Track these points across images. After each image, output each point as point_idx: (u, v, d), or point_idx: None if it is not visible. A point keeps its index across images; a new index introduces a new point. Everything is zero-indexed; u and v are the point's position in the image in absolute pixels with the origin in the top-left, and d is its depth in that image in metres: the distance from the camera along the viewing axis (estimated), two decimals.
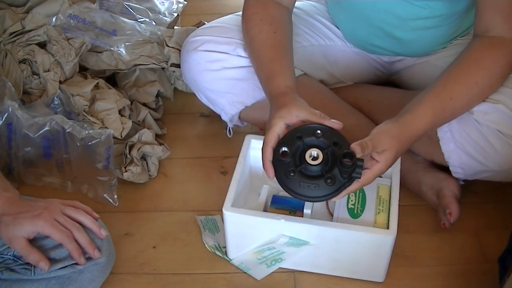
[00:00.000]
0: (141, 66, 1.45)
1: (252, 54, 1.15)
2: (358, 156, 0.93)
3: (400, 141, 0.98)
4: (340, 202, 1.09)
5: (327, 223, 1.04)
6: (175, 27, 1.56)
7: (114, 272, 1.08)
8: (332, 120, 0.98)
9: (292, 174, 0.95)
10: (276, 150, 0.97)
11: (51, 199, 1.02)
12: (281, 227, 1.04)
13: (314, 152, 0.95)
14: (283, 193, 1.18)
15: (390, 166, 0.99)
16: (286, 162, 0.96)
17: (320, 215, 1.10)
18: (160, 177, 1.33)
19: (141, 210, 1.26)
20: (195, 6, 1.89)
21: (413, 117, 1.00)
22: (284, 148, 0.96)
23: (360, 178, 0.94)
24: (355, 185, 0.95)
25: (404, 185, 1.18)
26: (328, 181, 0.93)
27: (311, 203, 1.09)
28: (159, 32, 1.47)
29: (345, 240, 1.03)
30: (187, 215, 1.24)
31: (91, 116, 1.31)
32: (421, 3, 1.14)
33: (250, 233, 1.07)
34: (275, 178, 0.98)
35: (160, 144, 1.34)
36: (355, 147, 0.93)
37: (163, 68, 1.47)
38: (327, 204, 1.12)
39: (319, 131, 0.96)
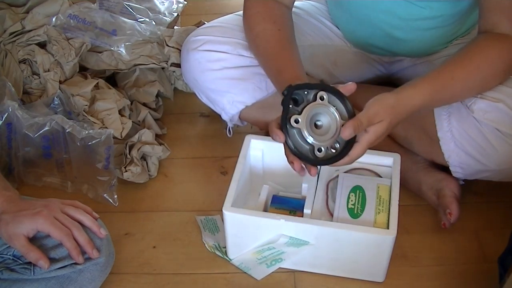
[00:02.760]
0: (141, 66, 1.45)
1: (258, 51, 1.15)
2: (352, 136, 0.92)
3: (395, 112, 0.96)
4: (340, 202, 1.09)
5: (327, 223, 1.04)
6: (175, 27, 1.56)
7: (114, 272, 1.08)
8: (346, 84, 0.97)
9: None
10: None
11: (51, 199, 1.02)
12: (281, 227, 1.04)
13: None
14: (283, 193, 1.18)
15: (380, 138, 0.96)
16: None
17: (320, 215, 1.10)
18: (160, 177, 1.33)
19: (141, 210, 1.26)
20: (195, 6, 1.89)
21: (412, 90, 0.99)
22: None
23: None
24: (345, 160, 0.94)
25: (404, 185, 1.18)
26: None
27: (311, 203, 1.09)
28: (159, 32, 1.47)
29: (345, 240, 1.03)
30: (187, 215, 1.24)
31: (91, 116, 1.31)
32: (421, 3, 1.14)
33: (250, 233, 1.07)
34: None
35: (160, 144, 1.34)
36: (346, 130, 0.92)
37: (163, 68, 1.47)
38: (327, 204, 1.12)
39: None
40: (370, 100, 0.96)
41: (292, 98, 0.95)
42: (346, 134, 0.92)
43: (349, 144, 0.94)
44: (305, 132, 0.94)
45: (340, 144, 0.95)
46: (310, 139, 0.94)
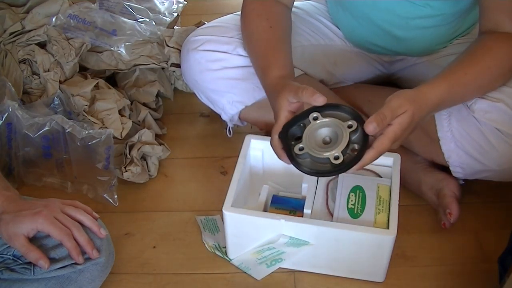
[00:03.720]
0: (141, 66, 1.45)
1: (249, 49, 1.16)
2: (376, 131, 0.91)
3: (416, 104, 0.94)
4: (340, 202, 1.09)
5: (327, 223, 1.04)
6: (175, 27, 1.56)
7: (114, 272, 1.08)
8: (316, 95, 0.94)
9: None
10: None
11: (51, 199, 1.02)
12: (281, 227, 1.04)
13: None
14: (283, 193, 1.18)
15: (406, 131, 0.94)
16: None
17: (320, 215, 1.10)
18: (160, 177, 1.33)
19: (141, 210, 1.26)
20: (195, 6, 1.89)
21: (429, 87, 0.98)
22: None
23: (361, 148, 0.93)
24: (370, 154, 0.92)
25: (404, 185, 1.18)
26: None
27: (311, 203, 1.09)
28: (159, 32, 1.47)
29: (345, 240, 1.03)
30: (187, 215, 1.24)
31: (91, 116, 1.31)
32: (421, 2, 1.14)
33: (250, 233, 1.07)
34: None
35: (160, 144, 1.34)
36: (369, 125, 0.90)
37: (163, 68, 1.47)
38: (327, 204, 1.12)
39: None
40: (389, 96, 0.95)
41: (296, 137, 0.97)
42: (371, 128, 0.90)
43: (366, 141, 0.93)
44: (314, 152, 0.94)
45: (358, 144, 0.94)
46: (322, 155, 0.94)
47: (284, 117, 0.98)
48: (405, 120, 0.92)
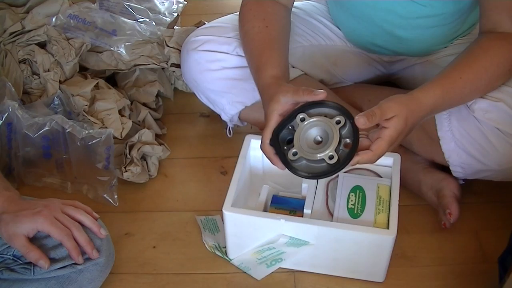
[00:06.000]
0: (141, 66, 1.45)
1: (245, 49, 1.16)
2: (366, 126, 0.91)
3: (409, 108, 0.95)
4: (340, 202, 1.09)
5: (327, 223, 1.04)
6: (175, 27, 1.56)
7: (114, 272, 1.08)
8: (316, 91, 0.95)
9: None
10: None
11: (51, 199, 1.02)
12: (281, 227, 1.04)
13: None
14: (283, 193, 1.18)
15: (401, 135, 0.95)
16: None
17: (320, 215, 1.10)
18: (160, 177, 1.33)
19: (141, 210, 1.26)
20: (195, 6, 1.89)
21: (422, 91, 0.98)
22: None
23: (355, 142, 0.93)
24: (368, 155, 0.93)
25: (404, 185, 1.18)
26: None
27: (311, 203, 1.09)
28: (159, 32, 1.47)
29: (345, 240, 1.03)
30: (187, 215, 1.24)
31: (91, 116, 1.31)
32: (422, 1, 1.14)
33: (250, 233, 1.07)
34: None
35: (160, 144, 1.34)
36: (359, 118, 0.91)
37: (163, 68, 1.48)
38: (327, 204, 1.12)
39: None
40: (382, 100, 0.96)
41: (287, 140, 0.96)
42: (361, 121, 0.91)
43: (357, 133, 0.93)
44: (308, 154, 0.94)
45: (349, 138, 0.94)
46: (316, 156, 0.93)
47: (274, 121, 0.98)
48: (399, 123, 0.94)
